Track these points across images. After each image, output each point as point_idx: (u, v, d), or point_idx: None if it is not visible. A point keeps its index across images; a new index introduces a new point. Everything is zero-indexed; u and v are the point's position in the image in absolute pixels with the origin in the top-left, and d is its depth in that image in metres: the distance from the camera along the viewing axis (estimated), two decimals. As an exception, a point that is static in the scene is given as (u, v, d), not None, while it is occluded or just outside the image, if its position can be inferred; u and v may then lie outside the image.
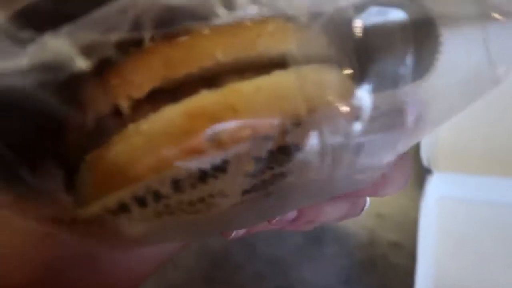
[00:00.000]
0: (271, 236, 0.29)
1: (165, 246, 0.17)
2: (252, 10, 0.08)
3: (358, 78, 0.09)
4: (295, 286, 0.29)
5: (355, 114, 0.09)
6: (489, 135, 0.31)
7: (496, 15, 0.09)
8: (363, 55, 0.09)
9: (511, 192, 0.27)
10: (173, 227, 0.12)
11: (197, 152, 0.09)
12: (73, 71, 0.08)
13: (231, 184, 0.10)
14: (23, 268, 0.16)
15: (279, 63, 0.10)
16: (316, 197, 0.13)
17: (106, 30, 0.08)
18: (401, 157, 0.12)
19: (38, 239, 0.16)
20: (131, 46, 0.09)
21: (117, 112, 0.10)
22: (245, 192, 0.11)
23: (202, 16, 0.08)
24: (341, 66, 0.09)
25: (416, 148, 0.29)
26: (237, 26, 0.10)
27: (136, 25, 0.08)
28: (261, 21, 0.10)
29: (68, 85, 0.09)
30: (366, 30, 0.09)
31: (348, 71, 0.09)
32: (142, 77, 0.10)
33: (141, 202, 0.10)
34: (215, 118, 0.09)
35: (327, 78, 0.09)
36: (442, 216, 0.28)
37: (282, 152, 0.10)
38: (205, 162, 0.09)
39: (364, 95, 0.09)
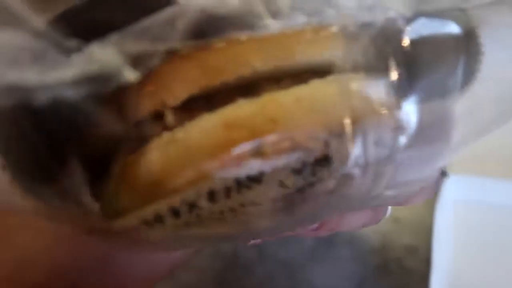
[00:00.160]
0: (282, 238, 0.30)
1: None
2: (301, 20, 0.08)
3: (405, 88, 0.09)
4: (306, 289, 0.29)
5: (401, 125, 0.09)
6: (506, 138, 0.30)
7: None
8: (411, 66, 0.09)
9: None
10: (196, 234, 0.12)
11: (236, 164, 0.09)
12: (121, 82, 0.08)
13: (263, 194, 0.10)
14: (38, 271, 0.16)
15: (316, 72, 0.10)
16: (344, 210, 0.12)
17: (154, 40, 0.08)
18: None
19: (55, 242, 0.16)
20: (167, 53, 0.09)
21: (151, 119, 0.10)
22: (275, 201, 0.11)
23: (249, 26, 0.08)
24: (388, 77, 0.09)
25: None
26: (275, 33, 0.10)
27: (185, 34, 0.08)
28: (299, 29, 0.10)
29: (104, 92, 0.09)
30: (416, 41, 0.09)
31: (395, 82, 0.09)
32: (179, 84, 0.10)
33: (176, 213, 0.10)
34: (254, 129, 0.09)
35: (373, 88, 0.09)
36: (458, 220, 0.28)
37: (320, 164, 0.10)
38: (242, 173, 0.09)
39: (410, 106, 0.09)
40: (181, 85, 0.10)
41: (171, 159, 0.10)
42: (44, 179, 0.11)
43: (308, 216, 0.12)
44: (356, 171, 0.09)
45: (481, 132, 0.10)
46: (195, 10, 0.07)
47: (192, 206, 0.10)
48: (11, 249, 0.16)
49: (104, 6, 0.09)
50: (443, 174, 0.30)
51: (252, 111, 0.09)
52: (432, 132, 0.09)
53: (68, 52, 0.08)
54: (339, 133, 0.09)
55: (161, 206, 0.10)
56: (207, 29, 0.08)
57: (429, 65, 0.09)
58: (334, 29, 0.09)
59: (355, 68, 0.09)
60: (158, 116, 0.10)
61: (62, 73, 0.07)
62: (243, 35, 0.08)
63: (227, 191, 0.10)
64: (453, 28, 0.09)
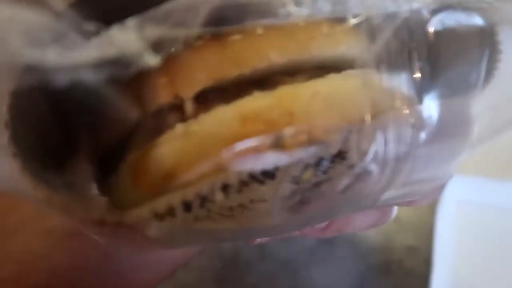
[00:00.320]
0: (284, 237, 0.29)
1: (182, 250, 0.17)
2: (326, 9, 0.08)
3: (427, 83, 0.09)
4: (306, 288, 0.29)
5: (421, 122, 0.09)
6: (508, 139, 0.31)
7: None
8: (434, 60, 0.09)
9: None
10: (202, 231, 0.12)
11: (252, 156, 0.09)
12: (141, 67, 0.08)
13: (275, 191, 0.10)
14: (38, 272, 0.16)
15: (333, 66, 0.10)
16: (355, 209, 0.12)
17: (176, 25, 0.07)
18: None
19: (55, 243, 0.16)
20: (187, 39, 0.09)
21: (165, 110, 0.10)
22: (286, 199, 0.11)
23: (271, 14, 0.08)
24: (410, 71, 0.09)
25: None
26: (291, 26, 0.09)
27: (207, 21, 0.08)
28: (315, 23, 0.09)
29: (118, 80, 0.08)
30: (440, 33, 0.08)
31: (417, 76, 0.09)
32: (194, 76, 0.10)
33: (188, 206, 0.10)
34: (270, 122, 0.09)
35: (394, 83, 0.09)
36: (459, 221, 0.28)
37: (337, 160, 0.10)
38: (258, 167, 0.09)
39: (431, 102, 0.09)
40: (196, 77, 0.09)
41: (186, 151, 0.09)
42: (55, 167, 0.10)
43: (318, 215, 0.12)
44: (374, 168, 0.09)
45: (497, 132, 0.10)
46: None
47: (204, 200, 0.10)
48: (11, 250, 0.16)
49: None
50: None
51: (269, 104, 0.09)
52: (451, 129, 0.09)
53: (87, 35, 0.07)
54: (358, 128, 0.09)
55: (175, 198, 0.10)
56: (228, 16, 0.08)
57: (453, 59, 0.09)
58: (354, 21, 0.09)
59: (376, 63, 0.09)
60: (172, 107, 0.10)
61: (82, 55, 0.07)
62: (265, 23, 0.08)
63: (240, 185, 0.10)
64: (478, 21, 0.09)
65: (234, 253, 0.29)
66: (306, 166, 0.10)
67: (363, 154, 0.09)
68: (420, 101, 0.09)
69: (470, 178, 0.28)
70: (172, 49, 0.08)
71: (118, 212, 0.10)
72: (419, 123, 0.09)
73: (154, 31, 0.07)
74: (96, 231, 0.11)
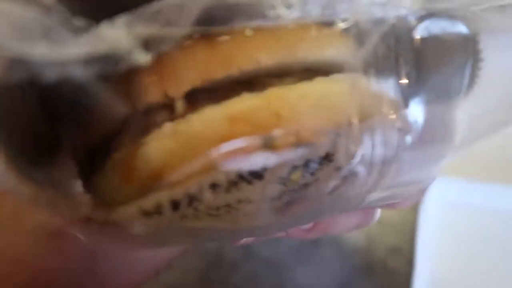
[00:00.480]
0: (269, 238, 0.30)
1: (165, 250, 0.17)
2: (315, 12, 0.08)
3: (413, 88, 0.09)
4: (290, 288, 0.29)
5: (407, 125, 0.09)
6: (491, 141, 0.32)
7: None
8: (420, 65, 0.09)
9: (511, 200, 0.28)
10: (188, 230, 0.12)
11: (241, 157, 0.09)
12: (131, 64, 0.08)
13: (262, 191, 0.10)
14: (24, 272, 0.15)
15: (321, 69, 0.10)
16: (340, 211, 0.13)
17: (166, 24, 0.08)
18: None
19: (37, 244, 0.15)
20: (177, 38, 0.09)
21: (153, 109, 0.10)
22: (273, 199, 0.11)
23: (260, 15, 0.08)
24: (396, 76, 0.09)
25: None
26: (280, 29, 0.10)
27: (197, 21, 0.08)
28: (304, 26, 0.10)
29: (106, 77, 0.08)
30: (426, 39, 0.09)
31: (403, 81, 0.09)
32: (182, 75, 0.10)
33: (176, 205, 0.10)
34: (258, 123, 0.09)
35: (381, 87, 0.09)
36: (440, 222, 0.29)
37: (325, 162, 0.10)
38: (246, 167, 0.09)
39: (417, 106, 0.09)
40: (185, 77, 0.10)
41: (174, 150, 0.09)
42: (39, 162, 0.10)
43: (304, 216, 0.12)
44: (361, 170, 0.09)
45: (479, 137, 0.11)
46: (211, -5, 0.07)
47: (192, 199, 0.10)
48: None
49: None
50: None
51: (257, 105, 0.09)
52: (435, 133, 0.09)
53: (76, 31, 0.07)
54: (346, 131, 0.09)
55: (163, 197, 0.10)
56: (218, 16, 0.08)
57: (438, 65, 0.09)
58: (342, 26, 0.09)
59: (364, 67, 0.09)
60: (161, 106, 0.10)
61: (71, 50, 0.07)
62: (254, 25, 0.08)
63: (229, 185, 0.10)
64: (462, 29, 0.09)
65: (219, 253, 0.29)
66: (294, 168, 0.10)
67: (351, 156, 0.09)
68: (406, 105, 0.09)
69: (451, 180, 0.29)
70: (162, 48, 0.08)
71: (105, 210, 0.10)
72: (405, 127, 0.09)
73: (144, 29, 0.07)
74: (81, 229, 0.11)
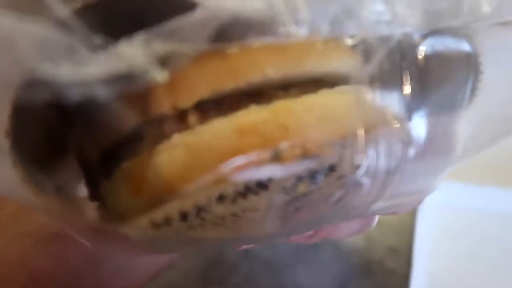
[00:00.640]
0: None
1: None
2: (324, 28, 0.08)
3: (416, 102, 0.09)
4: (289, 288, 0.30)
5: (411, 137, 0.09)
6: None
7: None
8: (424, 80, 0.09)
9: (508, 202, 0.29)
10: (194, 238, 0.12)
11: (250, 169, 0.10)
12: (148, 82, 0.08)
13: (267, 201, 0.11)
14: (20, 275, 0.16)
15: (326, 80, 0.10)
16: (344, 219, 0.13)
17: (183, 41, 0.08)
18: None
19: (38, 246, 0.15)
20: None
21: (161, 120, 0.10)
22: (277, 208, 0.11)
23: (272, 32, 0.08)
24: (401, 90, 0.09)
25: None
26: (287, 42, 0.10)
27: (213, 37, 0.08)
28: (313, 39, 0.10)
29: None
30: (430, 56, 0.09)
31: (407, 95, 0.09)
32: (191, 87, 0.10)
33: (184, 216, 0.10)
34: (266, 136, 0.10)
35: (386, 100, 0.10)
36: (438, 223, 0.30)
37: (330, 173, 0.10)
38: (253, 179, 0.10)
39: (420, 119, 0.09)
40: (194, 88, 0.10)
41: (184, 162, 0.10)
42: (47, 167, 0.11)
43: (307, 224, 0.13)
44: (365, 181, 0.10)
45: (480, 147, 0.11)
46: (227, 14, 0.08)
47: (200, 210, 0.10)
48: None
49: (125, 2, 0.09)
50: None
51: (264, 117, 0.10)
52: (437, 145, 0.10)
53: (95, 48, 0.08)
54: (351, 143, 0.10)
55: (172, 208, 0.10)
56: (231, 32, 0.09)
57: (441, 80, 0.09)
58: (350, 42, 0.09)
59: (369, 80, 0.10)
60: (170, 117, 0.10)
61: (92, 69, 0.07)
62: (266, 41, 0.09)
63: (236, 196, 0.10)
64: (465, 46, 0.10)
65: (218, 253, 0.30)
66: (299, 178, 0.10)
67: (355, 168, 0.10)
68: (410, 118, 0.10)
69: (448, 183, 0.30)
70: (178, 64, 0.08)
71: (115, 222, 0.10)
72: (408, 139, 0.10)
73: (161, 47, 0.08)
74: (88, 237, 0.12)
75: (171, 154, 0.10)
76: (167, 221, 0.10)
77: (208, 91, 0.10)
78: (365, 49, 0.09)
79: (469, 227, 0.29)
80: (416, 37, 0.09)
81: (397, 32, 0.09)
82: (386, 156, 0.10)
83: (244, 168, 0.09)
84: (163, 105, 0.10)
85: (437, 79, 0.10)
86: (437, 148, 0.10)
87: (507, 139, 0.11)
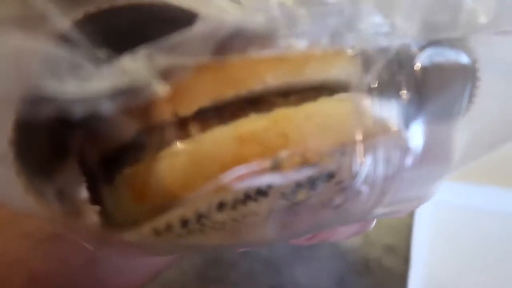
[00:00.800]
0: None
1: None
2: (324, 40, 0.09)
3: (414, 111, 0.10)
4: (287, 286, 0.30)
5: (408, 145, 0.10)
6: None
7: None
8: (422, 90, 0.10)
9: (505, 201, 0.30)
10: (193, 242, 0.12)
11: (250, 177, 0.10)
12: (150, 96, 0.08)
13: (266, 206, 0.11)
14: (19, 275, 0.16)
15: (325, 87, 0.10)
16: (343, 224, 0.13)
17: (185, 54, 0.08)
18: None
19: (36, 247, 0.16)
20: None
21: (162, 127, 0.10)
22: (277, 214, 0.11)
23: (273, 44, 0.09)
24: (399, 99, 0.10)
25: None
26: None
27: (215, 50, 0.08)
28: (310, 50, 0.10)
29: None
30: (427, 67, 0.09)
31: (405, 104, 0.10)
32: (191, 95, 0.10)
33: (185, 223, 0.11)
34: (266, 144, 0.10)
35: (384, 109, 0.10)
36: (436, 222, 0.30)
37: (329, 180, 0.11)
38: (253, 187, 0.10)
39: (417, 128, 0.10)
40: (195, 96, 0.10)
41: (186, 170, 0.10)
42: (49, 172, 0.11)
43: (306, 229, 0.13)
44: (364, 188, 0.10)
45: (477, 154, 0.11)
46: (229, 27, 0.08)
47: (200, 216, 0.11)
48: None
49: (126, 14, 0.09)
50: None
51: (264, 126, 0.10)
52: (435, 153, 0.10)
53: (98, 63, 0.08)
54: (350, 150, 0.10)
55: (174, 216, 0.10)
56: (232, 45, 0.09)
57: (438, 90, 0.10)
58: (350, 53, 0.09)
59: (368, 89, 0.10)
60: (171, 124, 0.10)
61: (95, 84, 0.07)
62: (267, 53, 0.09)
63: (235, 203, 0.10)
64: (462, 57, 0.10)
65: (217, 252, 0.30)
66: (299, 185, 0.10)
67: (354, 175, 0.10)
68: (408, 126, 0.10)
69: (446, 183, 0.30)
70: (180, 76, 0.08)
71: (117, 230, 0.11)
72: (406, 147, 0.10)
73: (164, 60, 0.08)
74: (90, 241, 0.12)
75: (172, 161, 0.10)
76: (168, 227, 0.11)
77: (209, 99, 0.10)
78: (364, 60, 0.10)
79: (466, 226, 0.30)
80: (414, 48, 0.09)
81: (396, 43, 0.09)
82: (384, 163, 0.10)
83: (244, 177, 0.10)
84: (164, 112, 0.10)
85: (434, 88, 0.10)
86: (434, 155, 0.10)
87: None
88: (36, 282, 0.16)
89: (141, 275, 0.18)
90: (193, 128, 0.10)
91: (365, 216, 0.11)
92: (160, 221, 0.10)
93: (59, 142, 0.11)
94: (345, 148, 0.10)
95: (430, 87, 0.10)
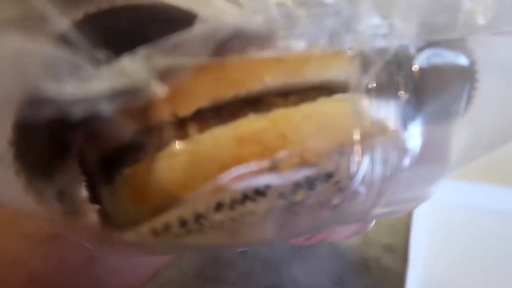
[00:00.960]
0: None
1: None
2: (323, 41, 0.09)
3: (412, 112, 0.10)
4: (286, 285, 0.30)
5: (406, 146, 0.10)
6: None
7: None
8: (420, 91, 0.10)
9: (503, 200, 0.30)
10: (192, 242, 0.12)
11: (249, 178, 0.10)
12: (149, 96, 0.08)
13: (265, 206, 0.11)
14: (18, 276, 0.16)
15: (323, 87, 0.11)
16: (341, 224, 0.13)
17: (185, 55, 0.08)
18: None
19: (36, 247, 0.16)
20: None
21: (162, 128, 0.10)
22: (276, 213, 0.11)
23: (272, 45, 0.09)
24: (397, 100, 0.10)
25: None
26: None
27: (214, 51, 0.08)
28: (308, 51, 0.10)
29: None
30: (425, 68, 0.09)
31: (403, 105, 0.10)
32: (190, 96, 0.10)
33: (183, 223, 0.11)
34: (265, 144, 0.10)
35: (382, 110, 0.10)
36: (434, 221, 0.30)
37: (327, 180, 0.11)
38: (251, 187, 0.10)
39: (415, 128, 0.10)
40: (194, 97, 0.10)
41: (185, 170, 0.10)
42: (48, 171, 0.11)
43: (304, 230, 0.13)
44: (362, 189, 0.10)
45: (476, 155, 0.11)
46: (228, 28, 0.08)
47: (199, 216, 0.11)
48: None
49: (126, 14, 0.09)
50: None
51: (263, 126, 0.10)
52: (433, 154, 0.10)
53: (98, 64, 0.08)
54: (348, 151, 0.10)
55: (172, 216, 0.10)
56: (232, 46, 0.09)
57: (436, 92, 0.10)
58: (348, 54, 0.09)
59: (366, 90, 0.10)
60: (170, 124, 0.10)
61: (95, 85, 0.07)
62: (265, 54, 0.09)
63: (233, 203, 0.10)
64: (460, 59, 0.10)
65: (215, 251, 0.30)
66: (297, 185, 0.10)
67: (352, 175, 0.10)
68: (406, 127, 0.10)
69: (444, 181, 0.30)
70: (179, 77, 0.08)
71: (116, 230, 0.11)
72: (404, 148, 0.10)
73: (163, 61, 0.08)
74: (90, 241, 0.12)
75: (172, 161, 0.10)
76: (166, 228, 0.11)
77: (208, 100, 0.10)
78: (362, 60, 0.10)
79: (464, 225, 0.30)
80: (413, 49, 0.09)
81: (394, 44, 0.09)
82: (382, 164, 0.10)
83: (243, 177, 0.10)
84: (164, 113, 0.10)
85: (433, 89, 0.10)
86: (432, 156, 0.11)
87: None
88: (36, 282, 0.16)
89: (140, 275, 0.18)
90: (192, 128, 0.10)
91: (363, 217, 0.11)
92: (159, 221, 0.10)
93: (58, 142, 0.11)
94: (343, 149, 0.10)
95: (429, 88, 0.10)
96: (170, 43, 0.08)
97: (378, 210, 0.11)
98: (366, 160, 0.10)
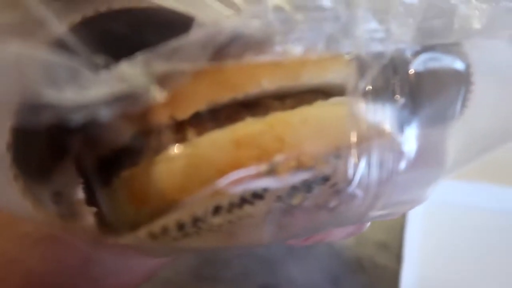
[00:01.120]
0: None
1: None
2: (320, 46, 0.09)
3: (408, 115, 0.10)
4: (282, 284, 0.30)
5: (402, 149, 0.10)
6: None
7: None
8: (416, 95, 0.10)
9: (497, 199, 0.30)
10: (189, 245, 0.12)
11: (247, 181, 0.10)
12: (148, 102, 0.08)
13: (262, 209, 0.11)
14: (15, 276, 0.16)
15: (320, 90, 0.11)
16: (338, 226, 0.13)
17: (183, 60, 0.08)
18: None
19: (33, 247, 0.16)
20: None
21: (159, 131, 0.10)
22: (273, 216, 0.12)
23: (269, 50, 0.09)
24: (393, 103, 0.10)
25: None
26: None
27: (212, 56, 0.08)
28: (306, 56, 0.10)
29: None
30: (421, 72, 0.10)
31: (400, 108, 0.10)
32: (188, 99, 0.10)
33: (181, 226, 0.11)
34: (263, 147, 0.10)
35: (379, 113, 0.10)
36: (428, 219, 0.31)
37: (324, 183, 0.11)
38: (249, 190, 0.10)
39: (412, 132, 0.10)
40: (191, 100, 0.10)
41: (183, 173, 0.10)
42: (46, 174, 0.11)
43: (303, 230, 0.13)
44: (358, 191, 0.10)
45: (471, 158, 0.11)
46: (227, 33, 0.08)
47: (196, 220, 0.11)
48: None
49: (123, 18, 0.09)
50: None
51: (261, 130, 0.10)
52: (428, 157, 0.10)
53: (96, 69, 0.08)
54: (345, 154, 0.10)
55: (170, 219, 0.10)
56: (229, 51, 0.09)
57: (432, 95, 0.10)
58: (345, 56, 0.10)
59: (363, 94, 0.10)
60: (168, 128, 0.10)
61: (94, 91, 0.07)
62: (263, 59, 0.09)
63: (231, 206, 0.10)
64: (456, 63, 0.10)
65: (212, 252, 0.30)
66: (294, 188, 0.11)
67: (349, 178, 0.10)
68: (402, 130, 0.10)
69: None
70: (177, 82, 0.08)
71: (114, 234, 0.11)
72: (400, 151, 0.10)
73: (161, 66, 0.08)
74: (87, 243, 0.12)
75: (170, 165, 0.10)
76: (164, 231, 0.11)
77: (205, 103, 0.10)
78: (359, 64, 0.10)
79: (459, 223, 0.30)
80: (409, 53, 0.10)
81: (391, 48, 0.09)
82: (378, 167, 0.10)
83: (241, 180, 0.10)
84: (162, 116, 0.10)
85: (428, 93, 0.10)
86: (428, 159, 0.11)
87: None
88: (33, 283, 0.16)
89: (138, 276, 0.18)
90: (190, 131, 0.10)
91: (360, 219, 0.11)
92: (157, 225, 0.10)
93: (56, 146, 0.11)
94: (340, 152, 0.10)
95: (424, 92, 0.10)
96: (168, 48, 0.08)
97: (374, 213, 0.11)
98: (362, 163, 0.10)
